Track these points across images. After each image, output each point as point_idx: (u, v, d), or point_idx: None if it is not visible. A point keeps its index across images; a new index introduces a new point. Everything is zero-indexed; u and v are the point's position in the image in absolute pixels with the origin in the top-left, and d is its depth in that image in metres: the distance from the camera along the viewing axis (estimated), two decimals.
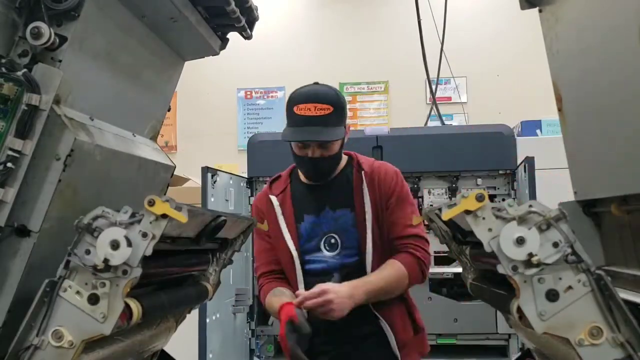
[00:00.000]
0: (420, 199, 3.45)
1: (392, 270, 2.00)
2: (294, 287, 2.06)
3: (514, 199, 3.32)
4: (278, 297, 2.00)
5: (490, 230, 1.14)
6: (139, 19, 1.58)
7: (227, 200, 3.26)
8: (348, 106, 7.87)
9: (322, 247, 2.10)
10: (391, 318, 2.04)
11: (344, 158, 2.21)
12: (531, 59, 5.92)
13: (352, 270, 2.03)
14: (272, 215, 2.13)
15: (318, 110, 2.00)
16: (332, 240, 2.10)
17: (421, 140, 3.48)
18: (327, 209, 2.12)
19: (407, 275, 2.00)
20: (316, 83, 2.12)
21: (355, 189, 2.11)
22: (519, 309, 1.15)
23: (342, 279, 1.99)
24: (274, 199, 2.15)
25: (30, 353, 1.15)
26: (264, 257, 2.19)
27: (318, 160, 2.05)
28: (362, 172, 2.11)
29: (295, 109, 2.01)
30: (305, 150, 2.04)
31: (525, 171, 3.09)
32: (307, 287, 1.98)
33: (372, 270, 2.02)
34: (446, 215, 1.20)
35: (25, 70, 1.24)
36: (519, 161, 3.32)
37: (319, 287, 1.87)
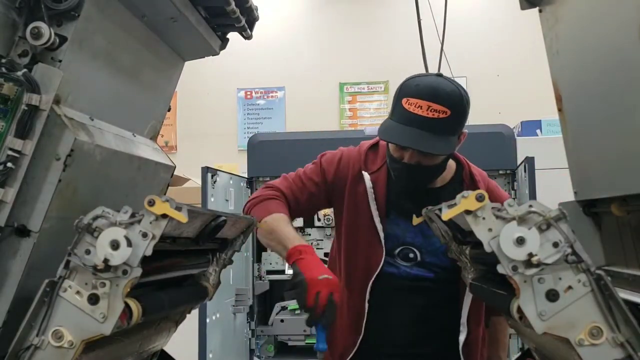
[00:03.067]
0: None
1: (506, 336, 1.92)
2: (359, 279, 1.81)
3: (514, 199, 3.32)
4: (295, 234, 1.75)
5: (490, 230, 1.14)
6: (139, 19, 1.58)
7: (227, 200, 3.26)
8: (348, 106, 7.88)
9: (396, 254, 1.85)
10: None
11: (452, 164, 1.90)
12: (531, 59, 5.93)
13: (431, 284, 1.83)
14: (352, 191, 1.84)
15: (431, 112, 1.65)
16: (411, 255, 1.85)
17: None
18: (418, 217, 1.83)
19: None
20: (439, 75, 1.75)
21: None
22: (519, 309, 1.15)
23: (409, 293, 1.81)
24: (366, 176, 1.83)
25: (30, 353, 1.15)
26: (293, 188, 1.88)
27: (413, 167, 1.74)
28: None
29: (404, 101, 1.68)
30: (402, 152, 1.75)
31: (525, 171, 3.09)
32: (375, 286, 1.79)
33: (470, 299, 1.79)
34: (446, 215, 1.20)
35: (25, 70, 1.24)
36: (519, 161, 3.32)
37: None
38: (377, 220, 1.82)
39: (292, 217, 1.91)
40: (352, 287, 1.85)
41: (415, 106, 1.66)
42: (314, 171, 1.91)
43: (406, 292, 1.85)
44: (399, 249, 1.86)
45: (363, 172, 1.84)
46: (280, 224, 1.78)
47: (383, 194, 1.84)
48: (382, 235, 1.82)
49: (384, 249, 1.82)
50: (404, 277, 1.85)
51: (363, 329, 1.81)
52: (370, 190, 1.82)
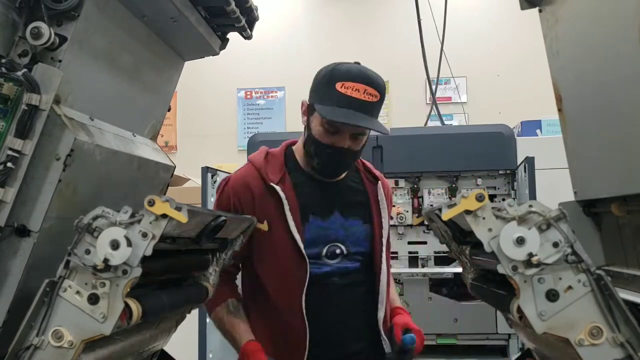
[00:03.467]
0: (420, 199, 3.45)
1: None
2: (290, 294, 1.78)
3: (514, 199, 3.32)
4: (236, 320, 1.81)
5: (490, 230, 1.14)
6: (139, 19, 1.58)
7: None
8: None
9: (323, 254, 1.83)
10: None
11: None
12: (531, 59, 5.92)
13: (355, 274, 1.85)
14: (263, 208, 1.80)
15: (367, 95, 1.71)
16: (337, 251, 1.84)
17: (421, 140, 3.48)
18: (337, 214, 1.86)
19: None
20: (357, 63, 1.80)
21: (371, 199, 1.90)
22: (519, 309, 1.15)
23: (344, 280, 1.82)
24: (278, 188, 1.80)
25: (30, 353, 1.15)
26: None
27: (344, 151, 1.77)
28: (379, 182, 1.93)
29: (339, 86, 1.70)
30: (335, 137, 1.75)
31: (525, 171, 3.09)
32: (307, 295, 1.76)
33: (385, 278, 1.87)
34: (446, 215, 1.20)
35: (25, 70, 1.24)
36: (519, 161, 3.32)
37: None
38: (294, 230, 1.79)
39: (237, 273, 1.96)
40: (282, 307, 1.80)
41: (352, 89, 1.71)
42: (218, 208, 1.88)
43: (339, 288, 1.84)
44: (325, 249, 1.84)
45: (273, 184, 1.81)
46: (224, 325, 1.84)
47: (295, 199, 1.82)
48: (301, 245, 1.78)
49: (306, 258, 1.78)
50: (336, 273, 1.84)
51: (307, 345, 1.77)
52: (285, 202, 1.80)
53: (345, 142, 1.76)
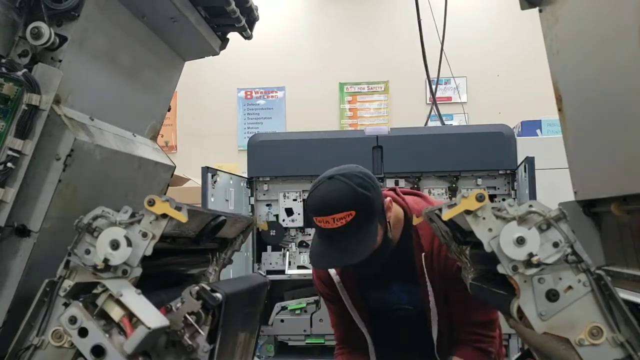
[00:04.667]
0: None
1: None
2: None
3: (514, 199, 3.32)
4: None
5: (490, 230, 1.14)
6: (139, 19, 1.58)
7: (227, 200, 3.26)
8: (348, 106, 7.82)
9: (392, 309, 2.02)
10: None
11: (398, 214, 1.91)
12: (531, 59, 5.92)
13: (410, 315, 2.00)
14: (337, 289, 2.00)
15: (337, 222, 1.67)
16: (405, 309, 2.02)
17: (421, 140, 3.48)
18: (395, 287, 2.01)
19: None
20: (330, 177, 1.73)
21: (417, 269, 1.92)
22: (519, 309, 1.15)
23: (395, 320, 2.01)
24: (333, 273, 1.96)
25: (30, 353, 1.15)
26: (339, 331, 2.13)
27: (359, 264, 1.77)
28: (423, 253, 1.90)
29: (315, 219, 1.74)
30: None
31: (525, 171, 3.09)
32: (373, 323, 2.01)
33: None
34: (446, 215, 1.20)
35: (25, 70, 1.24)
36: (519, 161, 3.32)
37: None
38: (349, 305, 1.99)
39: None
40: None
41: (323, 222, 1.70)
42: (328, 304, 2.12)
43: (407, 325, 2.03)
44: (394, 307, 2.02)
45: (330, 272, 1.97)
46: None
47: (354, 282, 1.97)
48: (359, 321, 2.00)
49: (367, 333, 2.01)
50: (404, 318, 2.02)
51: None
52: (339, 285, 1.97)
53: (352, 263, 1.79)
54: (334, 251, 1.72)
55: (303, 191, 3.38)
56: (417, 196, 2.04)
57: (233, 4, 1.74)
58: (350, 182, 1.70)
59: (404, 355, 2.04)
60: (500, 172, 3.42)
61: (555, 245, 1.11)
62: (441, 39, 4.46)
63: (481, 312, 1.94)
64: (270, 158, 3.42)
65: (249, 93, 7.93)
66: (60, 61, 1.29)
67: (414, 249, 1.92)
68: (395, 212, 1.90)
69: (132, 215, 1.15)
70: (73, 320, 1.11)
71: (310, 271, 3.50)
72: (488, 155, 3.38)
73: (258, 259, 3.53)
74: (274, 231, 3.40)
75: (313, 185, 1.78)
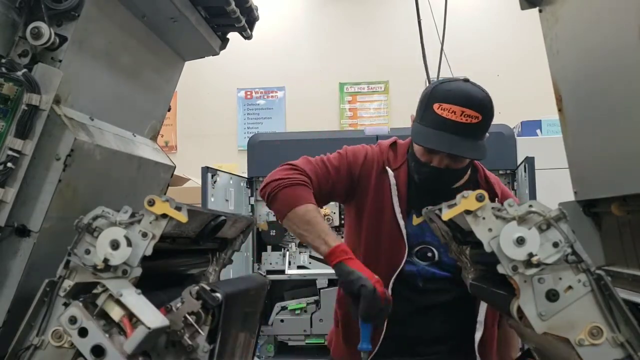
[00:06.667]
0: None
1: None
2: (376, 270, 1.69)
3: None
4: (328, 228, 1.72)
5: (490, 230, 1.14)
6: (139, 19, 1.58)
7: (227, 200, 3.26)
8: (348, 106, 7.86)
9: (414, 252, 1.85)
10: None
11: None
12: (531, 59, 5.92)
13: (441, 285, 1.84)
14: (374, 187, 1.84)
15: (465, 117, 1.66)
16: (429, 254, 1.85)
17: None
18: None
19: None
20: (466, 80, 1.78)
21: None
22: (519, 309, 1.15)
23: (427, 286, 1.82)
24: (391, 173, 1.83)
25: (30, 353, 1.15)
26: (319, 174, 1.82)
27: (442, 171, 1.75)
28: (497, 199, 1.81)
29: (436, 106, 1.69)
30: (431, 156, 1.75)
31: (525, 171, 3.09)
32: (393, 292, 1.75)
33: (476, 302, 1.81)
34: (446, 215, 1.20)
35: (25, 70, 1.24)
36: (519, 161, 3.32)
37: None
38: (399, 216, 1.82)
39: None
40: None
41: (449, 112, 1.67)
42: (341, 162, 1.87)
43: (423, 290, 1.85)
44: (417, 248, 1.85)
45: (387, 168, 1.84)
46: (317, 217, 1.74)
47: (404, 192, 1.84)
48: (404, 232, 1.82)
49: (406, 246, 1.81)
50: (422, 275, 1.85)
51: (385, 325, 1.78)
52: (394, 187, 1.83)
53: (442, 162, 1.74)
54: (449, 141, 1.66)
55: None
56: None
57: (233, 4, 1.74)
58: (487, 94, 1.74)
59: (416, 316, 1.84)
60: (500, 172, 3.43)
61: (555, 245, 1.11)
62: (441, 39, 4.46)
63: None
64: (270, 158, 3.41)
65: (249, 93, 7.92)
66: (60, 61, 1.29)
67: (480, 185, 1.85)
68: None
69: (132, 215, 1.15)
70: (73, 320, 1.11)
71: (309, 271, 3.50)
72: (488, 155, 3.38)
73: (258, 259, 3.54)
74: (274, 231, 3.40)
75: (442, 79, 1.77)
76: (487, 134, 1.79)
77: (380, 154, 1.90)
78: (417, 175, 1.83)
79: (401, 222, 1.82)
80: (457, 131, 1.68)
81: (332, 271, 1.70)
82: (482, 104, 1.70)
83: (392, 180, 1.83)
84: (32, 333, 1.15)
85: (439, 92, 1.72)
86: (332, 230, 1.75)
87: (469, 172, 1.89)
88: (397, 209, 1.82)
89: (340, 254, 1.65)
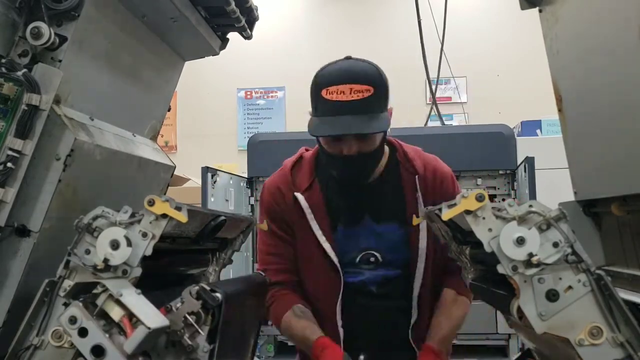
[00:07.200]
0: None
1: (460, 311, 1.78)
2: (326, 302, 1.77)
3: (514, 199, 3.32)
4: (305, 323, 1.73)
5: (490, 230, 1.14)
6: (139, 19, 1.58)
7: (227, 200, 3.26)
8: None
9: (357, 262, 1.77)
10: None
11: (386, 149, 1.78)
12: (531, 59, 5.93)
13: (394, 283, 1.78)
14: (296, 216, 1.78)
15: (355, 94, 1.56)
16: (372, 259, 1.77)
17: (421, 140, 3.46)
18: (368, 219, 1.77)
19: (468, 306, 1.79)
20: (348, 57, 1.67)
21: (407, 197, 1.74)
22: (519, 309, 1.15)
23: (380, 290, 1.76)
24: (301, 198, 1.75)
25: (30, 353, 1.15)
26: (274, 263, 1.82)
27: (355, 158, 1.64)
28: (417, 175, 1.75)
29: (324, 92, 1.60)
30: (339, 145, 1.65)
31: (525, 171, 3.09)
32: (345, 302, 1.75)
33: (420, 285, 1.74)
34: (446, 215, 1.20)
35: (25, 70, 1.24)
36: (519, 161, 3.32)
37: None
38: (322, 238, 1.75)
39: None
40: (322, 315, 1.79)
41: (337, 93, 1.58)
42: (273, 226, 1.82)
43: (378, 295, 1.80)
44: (359, 256, 1.78)
45: (296, 194, 1.76)
46: (295, 328, 1.75)
47: (323, 208, 1.77)
48: (329, 250, 1.75)
49: (338, 263, 1.75)
50: (373, 282, 1.79)
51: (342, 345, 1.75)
52: (307, 210, 1.75)
53: (352, 148, 1.64)
54: (343, 123, 1.58)
55: None
56: None
57: (233, 4, 1.74)
58: (373, 64, 1.65)
59: (369, 331, 1.79)
60: (500, 172, 3.43)
61: (555, 245, 1.11)
62: (441, 39, 4.46)
63: None
64: (270, 158, 3.41)
65: (249, 93, 7.93)
66: (60, 61, 1.29)
67: (401, 175, 1.78)
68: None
69: (132, 215, 1.15)
70: (73, 320, 1.11)
71: None
72: (488, 155, 3.39)
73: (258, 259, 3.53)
74: None
75: (325, 65, 1.68)
76: (390, 106, 1.69)
77: (284, 182, 1.82)
78: (334, 171, 1.74)
79: (325, 244, 1.75)
80: (352, 110, 1.58)
81: None
82: (369, 76, 1.60)
83: (304, 204, 1.76)
84: (32, 333, 1.15)
85: (323, 77, 1.64)
86: (311, 325, 1.74)
87: (387, 152, 1.81)
88: (318, 232, 1.75)
89: (315, 351, 1.67)
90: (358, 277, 1.79)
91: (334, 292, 1.76)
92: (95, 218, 1.16)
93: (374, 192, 1.77)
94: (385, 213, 1.77)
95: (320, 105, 1.63)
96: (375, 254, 1.78)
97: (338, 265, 1.75)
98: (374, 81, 1.61)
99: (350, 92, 1.57)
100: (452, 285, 1.81)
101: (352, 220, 1.78)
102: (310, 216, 1.76)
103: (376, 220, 1.77)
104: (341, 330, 1.77)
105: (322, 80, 1.63)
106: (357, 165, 1.69)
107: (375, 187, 1.77)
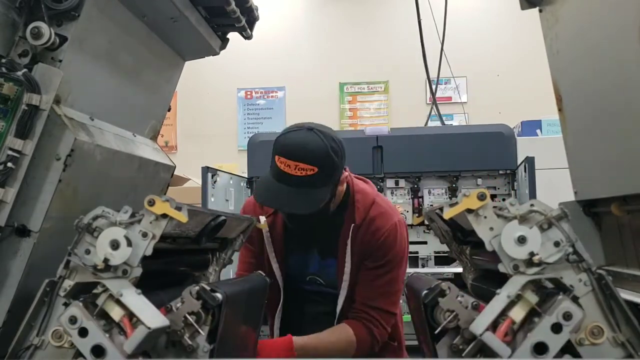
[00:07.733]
0: (420, 199, 3.46)
1: (341, 343, 1.90)
2: (269, 308, 2.01)
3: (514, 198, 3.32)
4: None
5: (491, 229, 1.14)
6: (139, 19, 1.58)
7: (227, 200, 3.26)
8: (348, 106, 7.80)
9: (307, 281, 2.04)
10: None
11: (344, 190, 1.94)
12: (531, 59, 5.93)
13: (327, 295, 2.01)
14: (261, 234, 2.01)
15: (299, 170, 1.71)
16: (317, 282, 2.04)
17: (421, 140, 3.48)
18: (315, 254, 2.02)
19: (354, 349, 1.90)
20: (311, 129, 1.78)
21: (342, 239, 1.94)
22: None
23: (317, 298, 2.03)
24: (262, 219, 1.89)
25: (30, 353, 1.15)
26: (241, 269, 2.12)
27: (293, 215, 1.88)
28: (352, 224, 1.92)
29: (276, 158, 1.75)
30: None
31: (525, 171, 3.09)
32: (284, 307, 2.03)
33: (343, 298, 1.95)
34: (448, 214, 1.20)
35: (25, 70, 1.24)
36: (519, 161, 3.32)
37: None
38: (273, 260, 2.00)
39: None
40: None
41: (284, 165, 1.73)
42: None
43: (313, 301, 2.07)
44: (308, 278, 2.05)
45: (260, 217, 1.90)
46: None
47: (281, 236, 2.00)
48: (278, 274, 2.00)
49: (281, 288, 2.01)
50: (315, 293, 2.05)
51: None
52: (266, 234, 1.99)
53: (290, 211, 1.84)
54: (284, 196, 1.74)
55: None
56: (364, 182, 2.09)
57: (233, 4, 1.74)
58: (326, 141, 1.76)
59: (307, 324, 2.01)
60: (501, 172, 3.43)
61: (557, 244, 1.11)
62: (441, 39, 4.46)
63: (384, 301, 1.94)
64: (270, 158, 3.42)
65: (249, 93, 7.93)
66: (60, 61, 1.29)
67: (344, 220, 1.95)
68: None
69: (132, 215, 1.15)
70: (73, 320, 1.11)
71: None
72: (488, 155, 3.39)
73: None
74: None
75: (290, 127, 1.82)
76: (337, 182, 1.84)
77: (254, 205, 2.03)
78: (284, 216, 1.95)
79: (274, 265, 2.00)
80: (294, 183, 1.73)
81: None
82: (316, 156, 1.73)
83: (264, 229, 1.97)
84: (32, 333, 1.15)
85: (280, 143, 1.78)
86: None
87: (342, 195, 1.94)
88: (271, 254, 2.00)
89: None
90: (306, 286, 2.06)
91: (275, 303, 2.03)
92: (95, 218, 1.16)
93: (323, 230, 1.97)
94: (327, 252, 2.01)
95: (273, 165, 1.79)
96: (318, 279, 2.04)
97: (281, 284, 2.01)
98: (320, 161, 1.74)
99: (295, 169, 1.72)
100: (354, 328, 1.94)
101: (303, 251, 2.04)
102: (267, 240, 2.00)
103: (321, 256, 2.03)
104: (277, 332, 2.04)
105: (278, 147, 1.78)
106: (294, 221, 1.91)
107: (325, 226, 1.95)
